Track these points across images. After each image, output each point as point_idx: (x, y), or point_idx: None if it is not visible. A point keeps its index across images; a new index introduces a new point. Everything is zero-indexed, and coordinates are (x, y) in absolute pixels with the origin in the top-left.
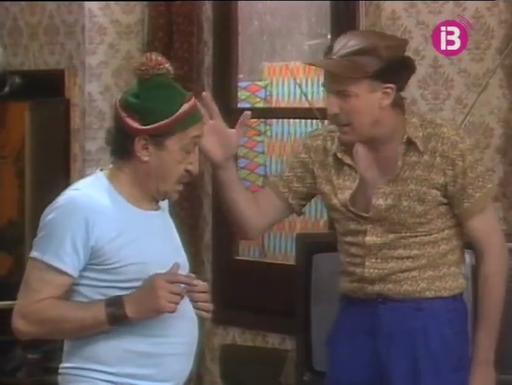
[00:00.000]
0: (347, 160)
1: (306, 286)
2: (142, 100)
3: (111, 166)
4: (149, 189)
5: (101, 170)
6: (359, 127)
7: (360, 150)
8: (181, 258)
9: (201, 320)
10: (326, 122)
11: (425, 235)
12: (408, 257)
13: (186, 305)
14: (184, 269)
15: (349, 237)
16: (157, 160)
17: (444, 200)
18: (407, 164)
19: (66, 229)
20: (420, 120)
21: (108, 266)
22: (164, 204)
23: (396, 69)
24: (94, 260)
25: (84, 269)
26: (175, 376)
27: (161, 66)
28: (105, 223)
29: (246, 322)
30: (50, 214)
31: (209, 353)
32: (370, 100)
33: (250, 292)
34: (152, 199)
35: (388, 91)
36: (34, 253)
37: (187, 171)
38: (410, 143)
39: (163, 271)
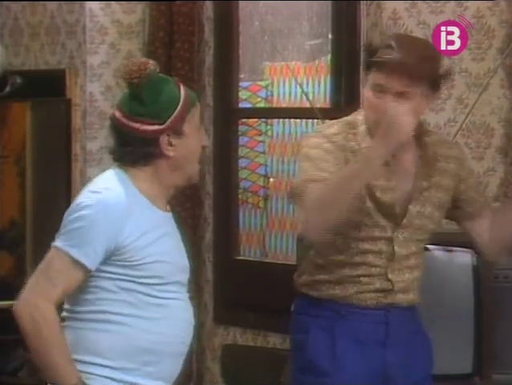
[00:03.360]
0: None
1: None
2: (149, 103)
3: (122, 164)
4: (173, 181)
5: (117, 167)
6: None
7: None
8: (186, 260)
9: (200, 321)
10: (327, 121)
11: (425, 243)
12: (415, 267)
13: (186, 306)
14: (186, 270)
15: (367, 244)
16: (181, 148)
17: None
18: (429, 170)
19: (98, 228)
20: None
21: (131, 263)
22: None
23: (442, 80)
24: (116, 256)
25: (104, 264)
26: (170, 376)
27: (148, 66)
28: (134, 223)
29: (247, 322)
30: (83, 209)
31: (209, 353)
32: (421, 105)
33: (251, 292)
34: (167, 197)
35: (431, 99)
36: (60, 244)
37: (202, 147)
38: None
39: (179, 271)
